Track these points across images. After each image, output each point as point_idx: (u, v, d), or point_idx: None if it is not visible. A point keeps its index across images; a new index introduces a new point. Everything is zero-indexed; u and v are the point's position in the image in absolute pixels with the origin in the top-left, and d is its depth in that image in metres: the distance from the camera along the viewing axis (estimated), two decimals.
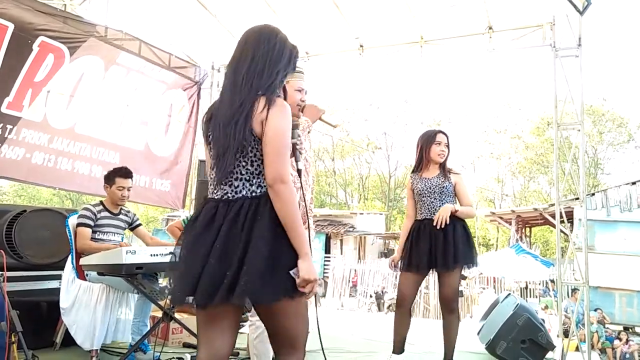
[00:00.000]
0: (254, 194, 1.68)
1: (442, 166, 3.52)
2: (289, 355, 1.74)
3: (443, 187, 3.43)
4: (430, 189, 3.45)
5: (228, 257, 1.58)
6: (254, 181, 1.69)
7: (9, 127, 4.34)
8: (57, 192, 32.58)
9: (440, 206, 3.39)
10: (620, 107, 29.71)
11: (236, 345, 4.10)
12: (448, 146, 3.52)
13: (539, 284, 14.10)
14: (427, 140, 3.55)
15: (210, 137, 1.77)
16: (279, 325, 1.71)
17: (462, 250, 3.31)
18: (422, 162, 3.55)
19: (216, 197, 1.72)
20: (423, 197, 3.48)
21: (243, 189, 1.69)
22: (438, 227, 3.32)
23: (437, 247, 3.32)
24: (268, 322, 1.74)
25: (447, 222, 3.31)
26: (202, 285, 1.58)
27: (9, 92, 4.33)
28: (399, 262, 3.53)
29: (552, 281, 12.22)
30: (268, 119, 1.65)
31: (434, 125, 31.07)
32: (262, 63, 1.74)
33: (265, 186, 1.68)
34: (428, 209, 3.45)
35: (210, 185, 1.78)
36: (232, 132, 1.66)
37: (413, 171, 3.65)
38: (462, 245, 3.33)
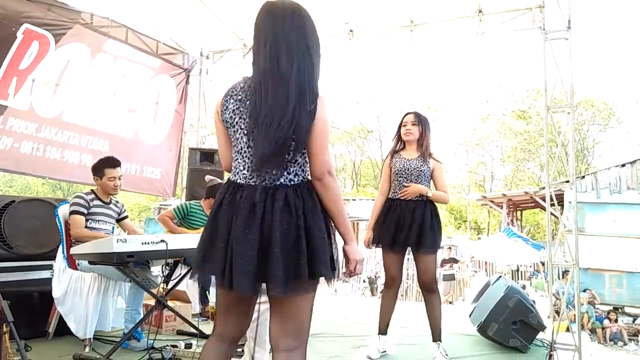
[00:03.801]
0: (292, 182, 1.69)
1: (421, 147, 3.56)
2: (294, 349, 1.69)
3: (421, 170, 3.49)
4: (408, 170, 3.50)
5: (295, 246, 1.61)
6: (291, 169, 1.70)
7: None
8: (48, 181, 32.34)
9: None
10: (595, 90, 29.91)
11: None
12: (417, 124, 3.55)
13: (530, 267, 14.25)
14: (400, 123, 3.66)
15: (239, 121, 1.73)
16: (296, 312, 1.70)
17: (425, 235, 3.38)
18: (398, 143, 3.66)
19: (252, 183, 1.70)
20: (400, 177, 3.52)
21: (280, 176, 1.69)
22: (403, 198, 3.43)
23: (403, 228, 3.40)
24: (285, 309, 1.70)
25: (416, 202, 3.43)
26: (273, 273, 1.58)
27: None
28: (370, 239, 3.58)
29: (543, 263, 12.36)
30: (317, 112, 1.66)
31: (426, 110, 31.08)
32: (307, 52, 1.71)
33: (301, 175, 1.72)
34: (402, 189, 3.50)
35: (240, 169, 1.75)
36: (279, 124, 1.61)
37: (395, 151, 3.68)
38: (428, 229, 3.39)
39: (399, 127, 3.64)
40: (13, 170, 4.71)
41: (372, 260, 16.03)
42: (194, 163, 5.79)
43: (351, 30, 5.72)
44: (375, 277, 15.29)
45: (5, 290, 2.86)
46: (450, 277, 13.41)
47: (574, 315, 4.89)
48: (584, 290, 10.92)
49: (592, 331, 10.62)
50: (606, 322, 10.77)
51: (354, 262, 1.76)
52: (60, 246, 3.59)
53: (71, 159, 4.95)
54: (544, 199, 5.34)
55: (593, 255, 11.19)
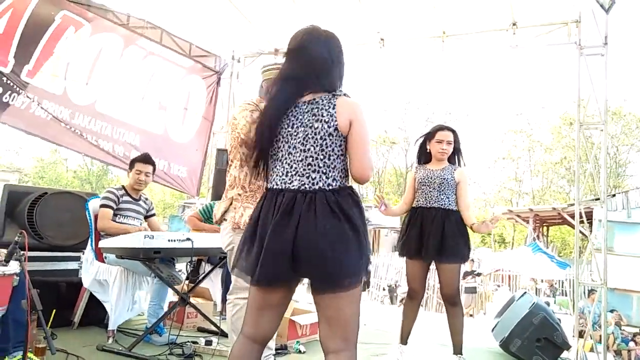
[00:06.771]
0: (330, 187, 1.74)
1: (449, 161, 3.54)
2: (342, 350, 1.70)
3: (444, 178, 3.45)
4: (431, 178, 3.47)
5: (341, 245, 1.66)
6: (330, 174, 1.75)
7: (31, 95, 4.41)
8: (78, 175, 33.05)
9: (437, 197, 3.44)
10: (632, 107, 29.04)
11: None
12: (453, 142, 3.51)
13: (555, 283, 13.95)
14: (427, 136, 3.61)
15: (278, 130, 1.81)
16: (340, 314, 1.70)
17: (449, 245, 3.33)
18: (424, 156, 3.62)
19: (292, 188, 1.75)
20: (423, 185, 3.51)
21: (319, 181, 1.74)
22: (425, 206, 3.44)
23: (425, 237, 3.37)
24: (332, 309, 1.72)
25: (437, 210, 3.40)
26: (320, 268, 1.66)
27: (28, 60, 4.36)
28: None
29: (552, 285, 12.13)
30: (356, 116, 1.74)
31: (454, 121, 30.80)
32: (330, 62, 1.84)
33: (339, 180, 1.75)
34: (425, 198, 3.48)
35: (277, 175, 1.81)
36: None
37: (419, 163, 3.68)
38: (451, 239, 3.34)
39: (429, 138, 3.58)
40: (52, 140, 4.79)
41: (392, 268, 15.93)
42: (221, 164, 5.87)
43: (382, 39, 5.72)
44: (396, 285, 15.18)
45: (35, 279, 2.93)
46: (472, 290, 13.21)
47: (600, 335, 4.77)
48: (611, 311, 10.63)
49: (617, 353, 10.32)
50: (632, 344, 10.45)
51: None
52: (89, 239, 3.68)
53: (106, 147, 5.10)
54: (571, 216, 5.24)
55: (621, 275, 10.90)
